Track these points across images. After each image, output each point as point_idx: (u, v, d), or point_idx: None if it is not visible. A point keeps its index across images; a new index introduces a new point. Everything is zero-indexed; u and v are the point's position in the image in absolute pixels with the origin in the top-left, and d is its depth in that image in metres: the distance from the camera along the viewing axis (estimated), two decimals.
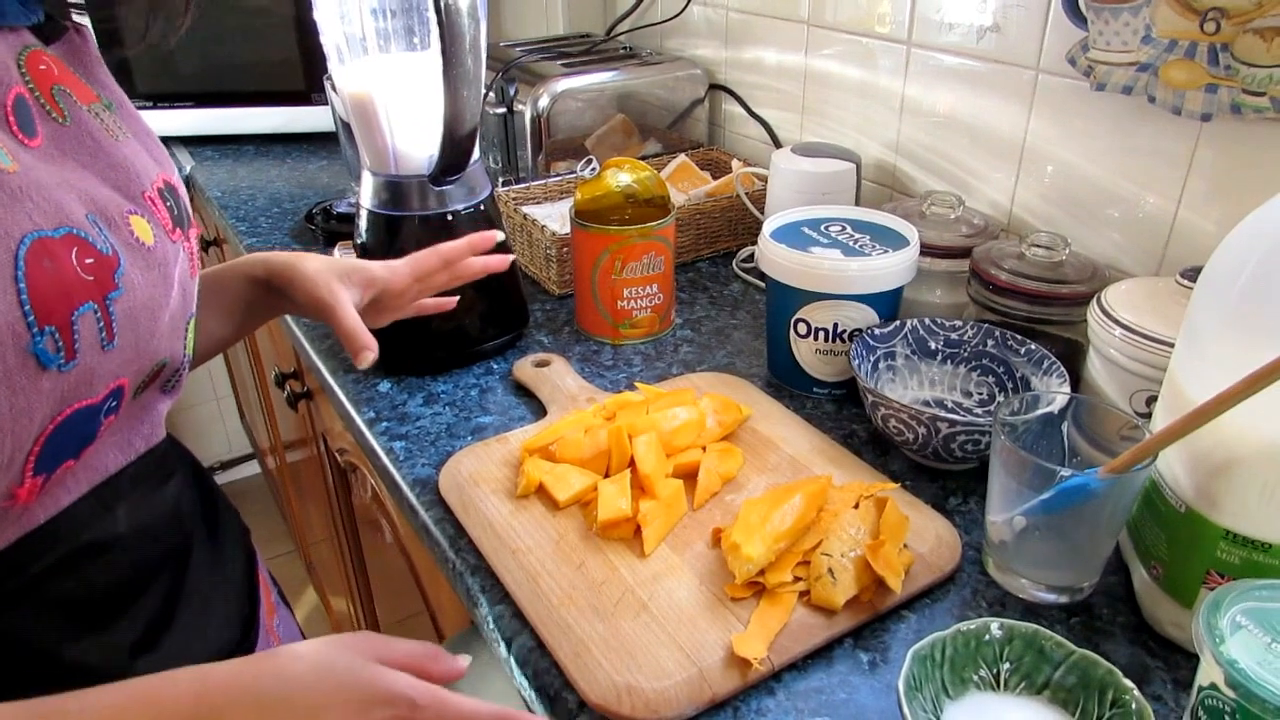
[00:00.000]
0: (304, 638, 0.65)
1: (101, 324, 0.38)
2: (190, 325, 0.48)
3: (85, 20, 0.48)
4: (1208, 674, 0.42)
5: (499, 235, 0.72)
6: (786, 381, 0.81)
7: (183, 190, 0.49)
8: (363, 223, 0.82)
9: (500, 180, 1.17)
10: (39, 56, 0.43)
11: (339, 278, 0.64)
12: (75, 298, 0.37)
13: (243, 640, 0.55)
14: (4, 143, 0.38)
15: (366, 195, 0.81)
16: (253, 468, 2.30)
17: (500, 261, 0.73)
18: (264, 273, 0.64)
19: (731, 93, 1.25)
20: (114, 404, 0.42)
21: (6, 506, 0.39)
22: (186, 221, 0.48)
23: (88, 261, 0.38)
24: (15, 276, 0.35)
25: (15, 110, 0.40)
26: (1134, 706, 0.45)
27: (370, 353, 0.60)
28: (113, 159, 0.43)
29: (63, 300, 0.37)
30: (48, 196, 0.38)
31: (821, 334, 0.76)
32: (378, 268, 0.67)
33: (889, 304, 0.76)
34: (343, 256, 0.81)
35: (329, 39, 0.76)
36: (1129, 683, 0.45)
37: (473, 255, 0.71)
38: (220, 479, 2.23)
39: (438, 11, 0.66)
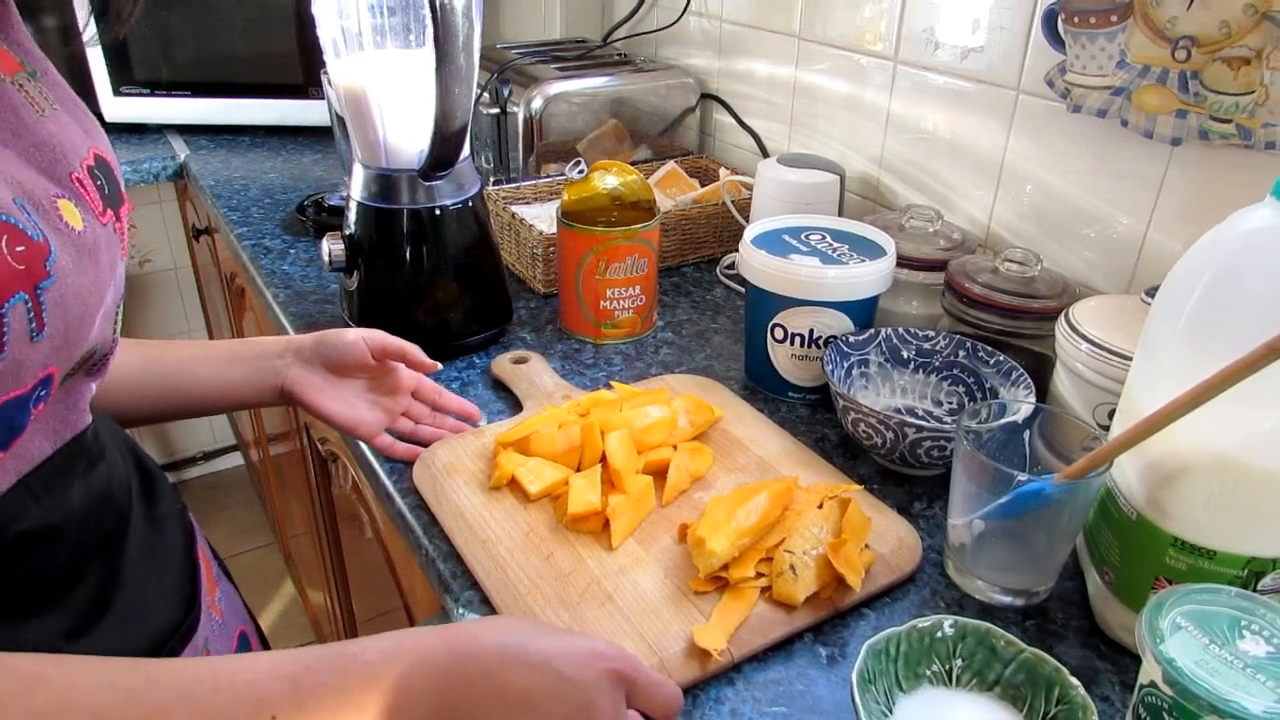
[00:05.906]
0: (247, 609, 0.64)
1: (32, 314, 0.37)
2: (118, 310, 0.47)
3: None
4: (1148, 672, 0.43)
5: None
6: (763, 385, 0.82)
7: (115, 164, 0.47)
8: (352, 214, 0.83)
9: (492, 180, 1.18)
10: None
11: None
12: (5, 289, 0.35)
13: (183, 620, 0.52)
14: None
15: (357, 187, 0.82)
16: (235, 459, 2.29)
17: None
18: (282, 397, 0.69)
19: (722, 102, 1.27)
20: (43, 392, 0.40)
21: None
22: (118, 200, 0.46)
23: (19, 250, 0.36)
24: None
25: None
26: (1079, 702, 0.46)
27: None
28: (37, 138, 0.41)
29: None
30: None
31: (798, 339, 0.78)
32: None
33: (864, 312, 0.78)
34: (330, 247, 0.83)
35: (325, 33, 0.77)
36: (1074, 679, 0.47)
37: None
38: (203, 469, 2.23)
39: (432, 10, 0.68)
